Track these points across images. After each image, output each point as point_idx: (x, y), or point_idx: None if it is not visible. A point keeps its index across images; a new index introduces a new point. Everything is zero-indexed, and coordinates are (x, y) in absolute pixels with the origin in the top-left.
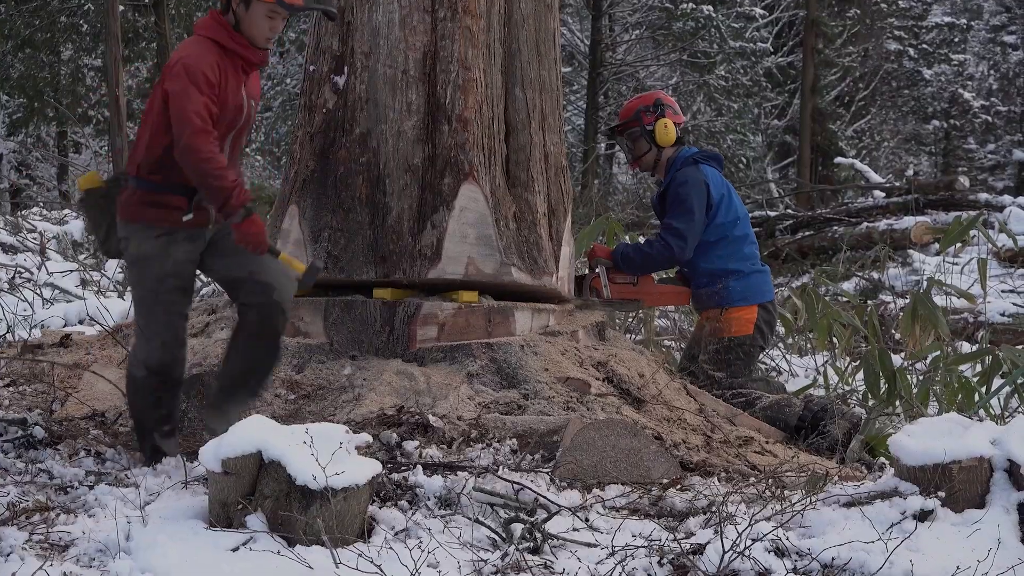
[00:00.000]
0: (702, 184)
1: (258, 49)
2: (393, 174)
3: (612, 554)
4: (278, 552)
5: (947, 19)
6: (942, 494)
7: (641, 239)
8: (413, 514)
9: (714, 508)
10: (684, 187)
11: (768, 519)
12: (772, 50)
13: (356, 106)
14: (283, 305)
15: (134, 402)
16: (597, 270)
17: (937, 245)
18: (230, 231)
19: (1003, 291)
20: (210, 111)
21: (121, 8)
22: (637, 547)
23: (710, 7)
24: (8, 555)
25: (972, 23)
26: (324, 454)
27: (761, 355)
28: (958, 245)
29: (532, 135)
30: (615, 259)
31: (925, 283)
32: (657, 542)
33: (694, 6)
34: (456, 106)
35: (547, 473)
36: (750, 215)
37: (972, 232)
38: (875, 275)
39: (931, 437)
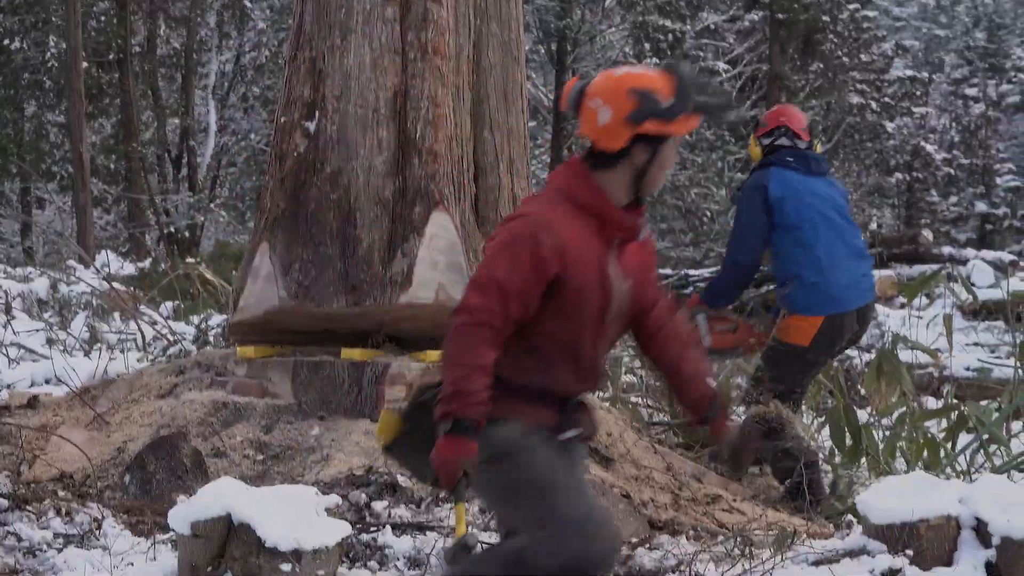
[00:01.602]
0: (755, 188)
1: (627, 211)
2: (364, 208)
3: None
4: None
5: (909, 72)
6: (910, 552)
7: None
8: (383, 575)
9: (683, 567)
10: (740, 194)
11: None
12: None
13: (327, 146)
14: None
15: None
16: (696, 319)
17: (902, 299)
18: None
19: (967, 345)
20: (519, 293)
21: (84, 65)
22: None
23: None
24: None
25: (934, 76)
26: (293, 516)
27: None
28: (924, 300)
29: (501, 177)
30: (704, 300)
31: (890, 338)
32: None
33: (658, 61)
34: (426, 140)
35: None
36: (714, 268)
37: (937, 286)
38: None
39: (899, 496)
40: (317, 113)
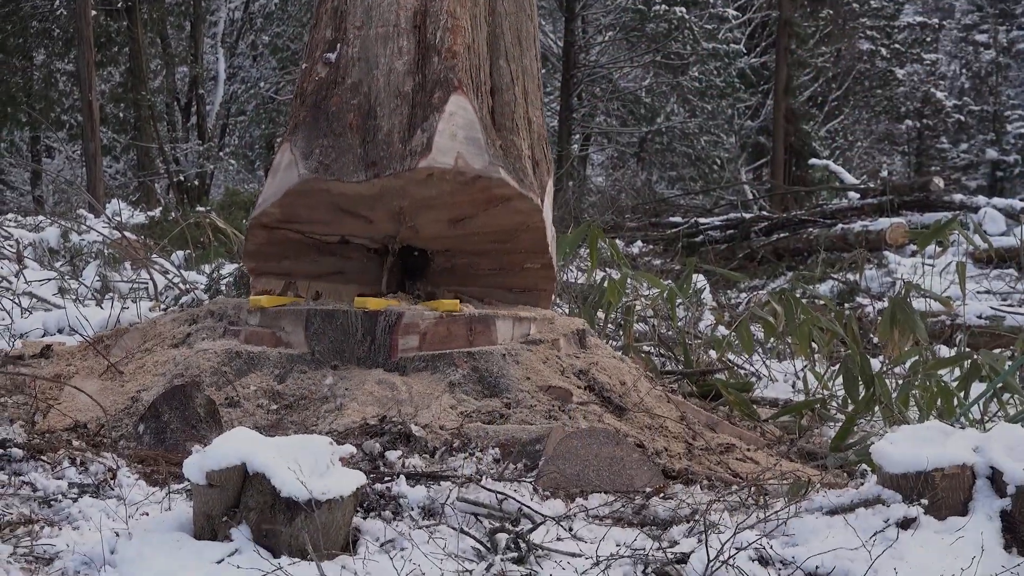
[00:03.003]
0: None
1: None
2: (384, 102)
3: (596, 563)
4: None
5: (919, 19)
6: (925, 502)
7: (619, 243)
8: (397, 525)
9: (697, 517)
10: None
11: (751, 527)
12: (745, 51)
13: (348, 65)
14: None
15: None
16: None
17: (912, 246)
18: None
19: (979, 292)
20: None
21: (93, 13)
22: (621, 556)
23: (683, 9)
24: None
25: (944, 22)
26: (308, 466)
27: (741, 360)
28: (936, 248)
29: (516, 96)
30: None
31: (901, 286)
32: (641, 551)
33: (667, 8)
34: (445, 43)
35: (530, 482)
36: (724, 216)
37: (951, 234)
38: (851, 277)
39: (913, 445)
40: (339, 45)
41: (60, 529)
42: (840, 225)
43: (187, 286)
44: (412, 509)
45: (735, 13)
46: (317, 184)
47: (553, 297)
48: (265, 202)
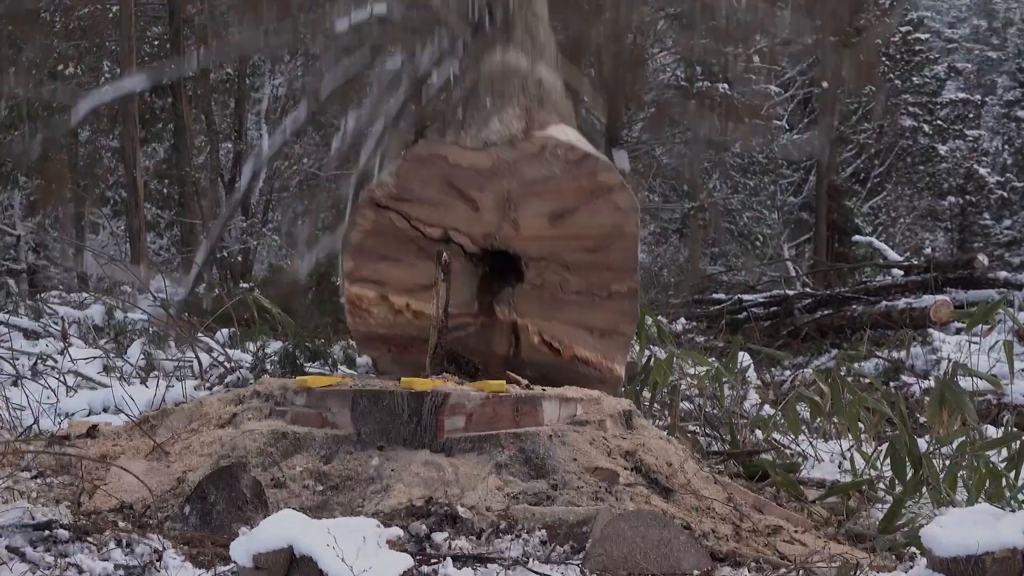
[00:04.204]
0: None
1: None
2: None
3: None
4: None
5: (961, 95)
6: None
7: (663, 320)
8: None
9: None
10: None
11: None
12: (788, 127)
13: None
14: None
15: None
16: None
17: (957, 324)
18: None
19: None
20: None
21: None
22: None
23: (725, 85)
24: None
25: (986, 99)
26: (355, 548)
27: (787, 440)
28: (982, 326)
29: None
30: None
31: (948, 366)
32: None
33: (709, 84)
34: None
35: (577, 565)
36: (767, 293)
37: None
38: (895, 355)
39: (963, 528)
40: None
41: None
42: (884, 302)
43: (232, 365)
44: None
45: (777, 90)
46: (436, 148)
47: (630, 345)
48: (381, 174)
